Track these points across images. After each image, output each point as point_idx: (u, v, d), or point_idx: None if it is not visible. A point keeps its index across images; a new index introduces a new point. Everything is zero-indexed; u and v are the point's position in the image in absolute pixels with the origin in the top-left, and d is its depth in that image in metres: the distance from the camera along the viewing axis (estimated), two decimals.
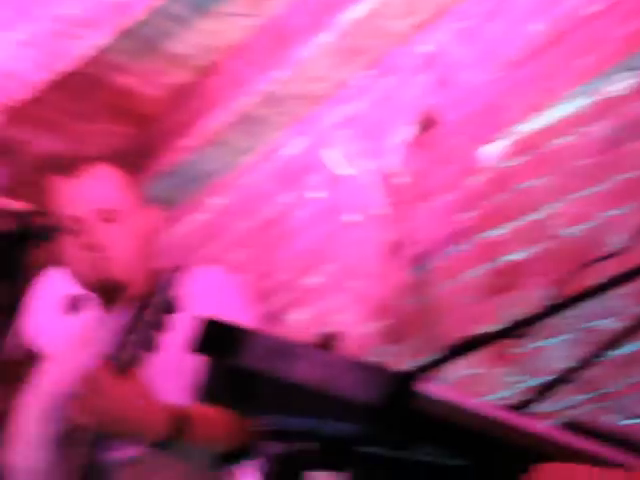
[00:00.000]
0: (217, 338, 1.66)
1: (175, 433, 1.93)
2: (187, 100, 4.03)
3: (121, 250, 2.15)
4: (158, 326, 1.90)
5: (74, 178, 2.19)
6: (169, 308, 1.90)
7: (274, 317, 3.78)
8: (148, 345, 1.89)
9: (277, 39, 3.73)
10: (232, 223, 4.16)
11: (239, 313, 2.14)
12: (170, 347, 1.93)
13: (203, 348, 1.68)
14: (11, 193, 2.01)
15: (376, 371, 1.47)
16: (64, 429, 2.06)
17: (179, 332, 1.85)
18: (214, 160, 4.09)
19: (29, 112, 3.93)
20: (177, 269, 1.99)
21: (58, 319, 2.45)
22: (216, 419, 1.97)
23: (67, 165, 2.25)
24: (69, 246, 2.13)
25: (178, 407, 1.96)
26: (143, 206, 2.26)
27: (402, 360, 3.32)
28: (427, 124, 3.53)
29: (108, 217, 2.15)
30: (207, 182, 4.19)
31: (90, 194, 2.17)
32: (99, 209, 2.15)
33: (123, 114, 4.09)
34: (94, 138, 4.10)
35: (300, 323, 3.77)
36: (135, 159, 4.02)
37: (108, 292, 2.18)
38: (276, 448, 1.69)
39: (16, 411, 2.17)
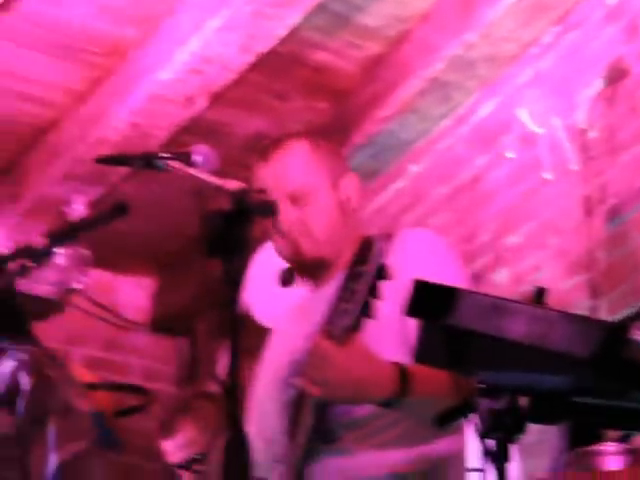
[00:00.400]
0: (428, 300, 1.72)
1: (401, 392, 1.97)
2: (380, 71, 4.09)
3: (312, 230, 2.22)
4: (374, 293, 1.92)
5: (265, 161, 2.27)
6: (383, 275, 1.92)
7: (477, 278, 3.83)
8: (366, 312, 1.92)
9: (464, 3, 3.75)
10: (431, 189, 4.22)
11: (450, 273, 2.17)
12: (385, 313, 1.96)
13: (415, 310, 1.75)
14: (221, 174, 2.11)
15: (588, 323, 1.51)
16: (294, 397, 2.16)
17: (393, 298, 1.90)
18: (409, 128, 4.13)
19: (231, 95, 4.07)
20: (386, 236, 2.00)
21: (275, 291, 2.57)
22: (436, 377, 1.99)
23: (270, 144, 2.35)
24: (268, 228, 2.23)
25: (401, 364, 1.99)
26: (339, 176, 2.30)
27: (602, 314, 3.32)
28: (616, 76, 3.49)
29: (298, 198, 2.21)
30: (404, 150, 4.24)
31: (279, 178, 2.23)
32: (288, 192, 2.21)
33: (319, 90, 4.18)
34: (294, 116, 4.22)
35: (502, 283, 3.82)
36: (333, 134, 4.11)
37: (307, 270, 2.28)
38: (491, 404, 1.74)
39: (250, 382, 2.29)
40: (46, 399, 2.56)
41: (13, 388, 2.55)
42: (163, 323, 5.14)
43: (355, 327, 1.92)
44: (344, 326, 1.92)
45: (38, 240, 2.05)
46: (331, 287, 2.19)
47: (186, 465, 3.63)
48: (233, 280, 1.85)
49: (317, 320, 2.15)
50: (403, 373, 1.99)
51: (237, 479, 1.74)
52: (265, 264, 2.56)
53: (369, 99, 4.12)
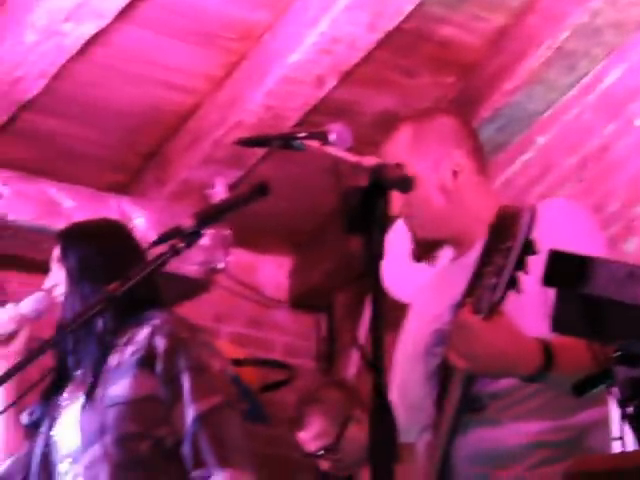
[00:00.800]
0: (564, 269, 1.74)
1: (545, 367, 1.97)
2: (506, 43, 4.07)
3: (415, 215, 2.25)
4: (521, 267, 1.89)
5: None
6: (531, 249, 1.90)
7: (609, 248, 3.81)
8: (513, 286, 1.90)
9: None
10: (559, 159, 4.19)
11: (590, 241, 2.17)
12: (530, 286, 1.94)
13: (551, 280, 1.77)
14: (354, 152, 2.15)
15: None
16: (438, 366, 2.18)
17: (537, 270, 1.87)
18: (536, 99, 4.10)
19: (359, 73, 4.11)
20: (525, 207, 1.96)
21: (409, 267, 2.62)
22: (577, 349, 1.97)
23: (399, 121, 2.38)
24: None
25: (544, 339, 1.99)
26: (441, 156, 2.30)
27: None
28: None
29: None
30: (531, 122, 4.22)
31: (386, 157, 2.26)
32: None
33: (446, 65, 4.18)
34: (421, 92, 4.23)
35: (632, 252, 3.79)
36: (461, 108, 4.12)
37: (427, 250, 2.32)
38: (629, 372, 1.75)
39: (390, 352, 2.34)
40: (182, 358, 2.64)
41: (151, 351, 2.67)
42: (302, 300, 5.22)
43: (501, 301, 1.92)
44: (491, 301, 1.92)
45: (187, 222, 2.13)
46: (470, 258, 2.22)
47: (319, 455, 3.71)
48: (373, 255, 1.88)
49: (458, 291, 2.17)
50: (547, 349, 1.99)
51: (384, 446, 1.78)
52: (398, 240, 2.60)
53: (495, 72, 4.11)
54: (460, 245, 2.32)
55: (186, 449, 2.58)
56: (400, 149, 2.32)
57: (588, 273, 1.71)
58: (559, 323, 1.79)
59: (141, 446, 2.61)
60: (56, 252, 2.89)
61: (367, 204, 1.89)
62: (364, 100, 4.30)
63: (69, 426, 2.74)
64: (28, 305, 2.87)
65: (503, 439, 2.14)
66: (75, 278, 2.78)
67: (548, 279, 1.76)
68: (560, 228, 2.14)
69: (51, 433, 2.77)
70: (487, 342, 1.93)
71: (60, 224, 4.24)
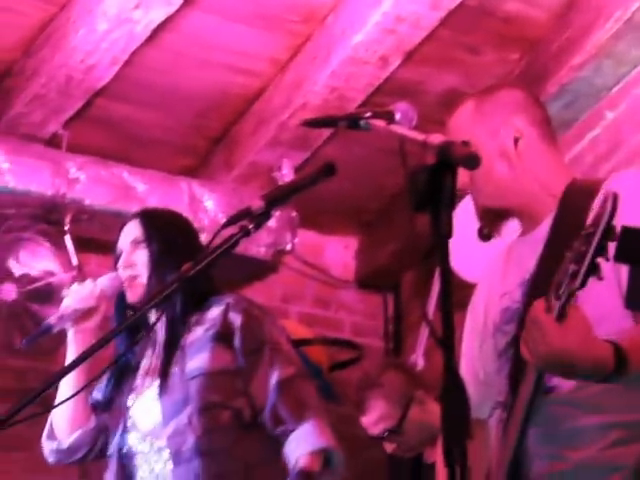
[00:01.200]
0: (637, 245, 1.72)
1: (616, 372, 1.93)
2: (572, 16, 4.02)
3: (479, 185, 2.22)
4: (602, 253, 1.85)
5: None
6: (612, 235, 1.85)
7: None
8: (594, 273, 1.87)
9: None
10: (628, 135, 4.13)
11: None
12: (608, 270, 1.91)
13: (624, 256, 1.75)
14: (420, 131, 2.14)
15: None
16: (506, 345, 2.18)
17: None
18: (605, 74, 4.04)
19: (422, 52, 4.10)
20: (609, 192, 1.90)
21: (476, 246, 2.60)
22: None
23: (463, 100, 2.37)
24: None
25: (617, 345, 1.95)
26: (500, 124, 2.28)
27: None
28: None
29: None
30: (599, 97, 4.16)
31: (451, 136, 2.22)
32: None
33: (510, 41, 4.14)
34: (486, 69, 4.20)
35: None
36: (527, 84, 4.09)
37: (494, 221, 2.29)
38: None
39: (461, 331, 2.34)
40: (257, 332, 2.80)
41: (227, 327, 2.75)
42: (369, 280, 5.24)
43: (582, 288, 1.88)
44: (572, 288, 1.88)
45: (256, 203, 2.15)
46: (540, 234, 2.20)
47: (383, 437, 3.73)
48: (441, 233, 1.87)
49: (528, 268, 2.16)
50: (619, 352, 1.94)
51: (457, 423, 1.78)
52: (465, 220, 2.58)
53: (561, 46, 4.06)
54: (527, 218, 2.29)
55: (267, 413, 2.74)
56: (462, 122, 2.31)
57: None
58: (634, 300, 1.75)
59: (222, 416, 2.75)
60: (134, 233, 2.96)
61: (434, 182, 1.88)
62: (428, 79, 4.29)
63: (147, 406, 2.84)
64: (106, 282, 2.93)
65: (576, 418, 2.12)
66: (159, 260, 2.88)
67: (621, 255, 1.73)
68: (631, 201, 2.10)
69: (128, 415, 2.85)
70: (557, 347, 1.90)
71: (134, 207, 4.34)
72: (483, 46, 4.17)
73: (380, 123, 2.07)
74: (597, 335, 1.94)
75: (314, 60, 4.10)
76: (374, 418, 3.75)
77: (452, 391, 1.79)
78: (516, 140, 2.29)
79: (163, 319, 2.82)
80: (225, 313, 2.81)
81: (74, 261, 4.40)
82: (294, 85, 4.21)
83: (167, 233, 2.96)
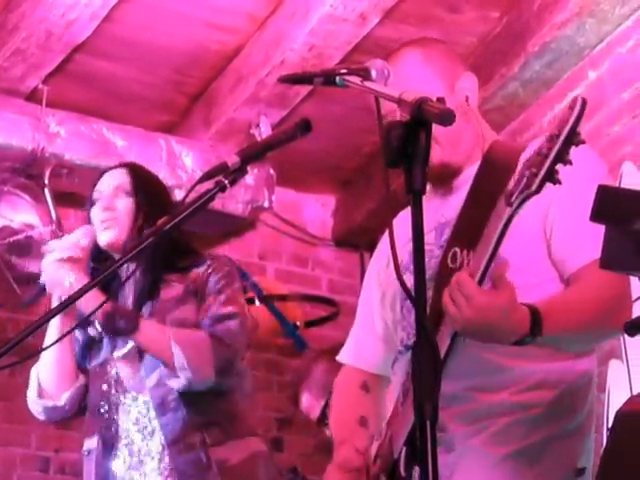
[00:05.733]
0: (613, 205, 1.72)
1: (532, 332, 1.99)
2: None
3: (435, 137, 2.16)
4: (562, 158, 1.86)
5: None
6: (576, 139, 1.86)
7: None
8: (551, 179, 1.88)
9: None
10: (611, 95, 4.10)
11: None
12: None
13: (600, 216, 1.74)
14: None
15: None
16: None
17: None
18: (587, 33, 3.98)
19: (402, 10, 4.09)
20: (577, 98, 1.92)
21: None
22: (580, 309, 2.03)
23: (386, 57, 2.33)
24: None
25: (534, 308, 2.00)
26: (454, 78, 2.29)
27: None
28: None
29: None
30: (582, 56, 4.11)
31: (396, 84, 2.19)
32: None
33: (489, 0, 4.14)
34: (466, 27, 4.18)
35: None
36: (507, 43, 4.08)
37: (438, 179, 2.28)
38: None
39: None
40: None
41: (206, 285, 2.87)
42: (346, 238, 5.26)
43: (538, 191, 1.90)
44: (529, 191, 1.89)
45: (232, 159, 2.15)
46: (460, 181, 2.25)
47: None
48: (415, 189, 1.87)
49: (443, 212, 2.22)
50: (535, 316, 1.99)
51: (428, 376, 1.79)
52: None
53: (543, 4, 4.01)
54: (457, 178, 2.31)
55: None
56: (411, 73, 2.29)
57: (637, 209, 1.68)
58: (609, 260, 1.76)
59: None
60: (120, 179, 3.00)
61: (408, 138, 1.87)
62: (408, 37, 4.18)
63: (128, 359, 2.89)
64: (81, 234, 2.94)
65: (496, 362, 2.15)
66: (142, 211, 2.94)
67: (597, 215, 1.73)
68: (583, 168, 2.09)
69: (109, 368, 2.91)
70: (477, 312, 1.94)
71: (113, 163, 4.35)
72: (463, 4, 4.15)
73: (355, 80, 2.06)
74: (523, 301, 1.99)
75: (292, 17, 4.09)
76: (310, 403, 3.84)
77: (423, 346, 1.80)
78: (467, 98, 2.31)
79: (138, 272, 2.86)
80: (206, 273, 2.89)
81: (53, 215, 4.41)
82: (272, 42, 4.20)
83: (152, 187, 3.04)
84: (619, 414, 1.98)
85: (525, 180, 1.90)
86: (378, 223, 5.03)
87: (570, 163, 1.87)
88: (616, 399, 3.63)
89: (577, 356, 2.20)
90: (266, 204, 4.72)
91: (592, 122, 4.09)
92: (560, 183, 1.89)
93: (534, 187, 1.89)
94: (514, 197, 1.91)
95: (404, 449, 2.09)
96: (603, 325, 2.10)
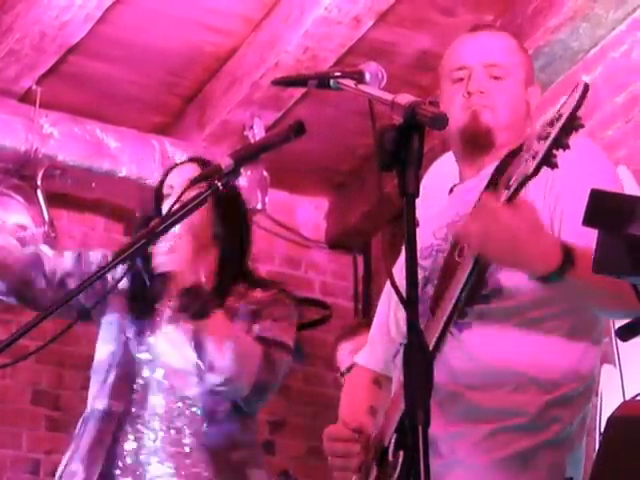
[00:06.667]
0: (607, 209, 1.71)
1: (564, 265, 1.92)
2: None
3: (497, 104, 2.21)
4: (561, 143, 1.89)
5: (474, 34, 2.32)
6: (575, 124, 1.90)
7: None
8: (549, 162, 1.90)
9: None
10: (605, 99, 4.12)
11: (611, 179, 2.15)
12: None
13: (593, 220, 1.74)
14: (391, 91, 2.14)
15: None
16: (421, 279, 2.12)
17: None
18: (581, 36, 4.01)
19: (396, 13, 4.09)
20: (579, 82, 1.96)
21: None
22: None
23: (480, 26, 2.37)
24: (452, 94, 2.25)
25: (567, 244, 1.95)
26: (530, 81, 2.31)
27: None
28: None
29: (494, 73, 2.23)
30: (576, 60, 4.12)
31: (483, 48, 2.27)
32: (488, 63, 2.24)
33: (485, 2, 4.13)
34: (460, 31, 4.13)
35: None
36: None
37: (473, 145, 2.26)
38: None
39: None
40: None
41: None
42: (339, 240, 5.26)
43: (534, 174, 1.90)
44: (525, 173, 1.90)
45: (225, 161, 2.15)
46: (482, 176, 2.21)
47: None
48: (408, 192, 1.87)
49: (459, 208, 2.18)
50: (568, 249, 1.93)
51: (419, 381, 1.79)
52: (436, 179, 2.58)
53: (537, 8, 4.03)
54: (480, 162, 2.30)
55: None
56: (507, 44, 2.31)
57: (633, 213, 1.67)
58: (602, 264, 1.74)
59: None
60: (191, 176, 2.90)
61: (401, 142, 1.87)
62: (401, 40, 4.28)
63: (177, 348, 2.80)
64: None
65: (502, 346, 2.11)
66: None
67: (590, 219, 1.72)
68: (586, 160, 2.12)
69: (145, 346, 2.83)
70: (504, 225, 1.91)
71: (106, 164, 4.38)
72: (457, 7, 4.16)
73: (349, 83, 2.07)
74: None
75: (287, 20, 4.09)
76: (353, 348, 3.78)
77: (415, 351, 1.79)
78: (528, 104, 2.31)
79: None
80: (273, 297, 2.88)
81: (46, 216, 4.41)
82: (267, 45, 4.21)
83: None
84: (611, 419, 1.98)
85: (524, 163, 1.90)
86: (371, 226, 5.06)
87: (568, 147, 1.88)
88: (609, 404, 3.63)
89: (579, 361, 2.15)
90: (259, 206, 4.73)
91: (586, 126, 4.07)
92: (557, 167, 1.90)
93: (531, 170, 1.89)
94: (512, 180, 1.91)
95: (394, 436, 2.07)
96: (625, 295, 1.96)
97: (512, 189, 1.93)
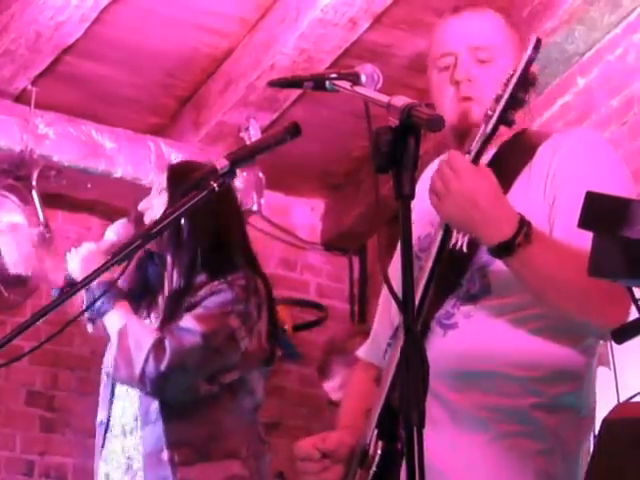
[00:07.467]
0: (602, 212, 1.71)
1: (517, 240, 1.90)
2: None
3: (487, 94, 2.11)
4: (517, 103, 1.92)
5: (458, 15, 2.27)
6: (530, 80, 1.93)
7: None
8: (506, 121, 1.93)
9: None
10: (600, 102, 4.12)
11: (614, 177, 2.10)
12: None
13: (588, 222, 1.73)
14: (387, 93, 2.14)
15: None
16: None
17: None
18: (577, 39, 4.02)
19: (392, 15, 4.09)
20: (530, 38, 1.98)
21: None
22: (571, 257, 1.89)
23: (464, 5, 2.33)
24: (440, 83, 2.21)
25: (526, 217, 1.93)
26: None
27: None
28: None
29: (480, 57, 2.16)
30: (571, 63, 4.13)
31: (467, 31, 2.22)
32: (473, 45, 2.17)
33: (481, 5, 4.15)
34: None
35: None
36: None
37: (468, 133, 2.19)
38: None
39: None
40: None
41: None
42: (335, 242, 5.27)
43: (492, 135, 1.92)
44: (483, 134, 1.91)
45: (221, 162, 2.15)
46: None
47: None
48: (404, 194, 1.87)
49: None
50: (527, 222, 1.91)
51: (415, 382, 1.79)
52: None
53: (533, 11, 4.03)
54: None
55: None
56: (493, 24, 2.24)
57: (628, 215, 1.67)
58: (598, 267, 1.73)
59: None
60: (162, 181, 2.94)
61: (397, 144, 1.87)
62: (397, 43, 4.28)
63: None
64: (118, 228, 2.90)
65: (488, 341, 2.07)
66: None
67: (585, 222, 1.72)
68: (581, 159, 2.08)
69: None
70: (466, 184, 1.91)
71: (101, 165, 4.38)
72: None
73: (345, 84, 2.07)
74: None
75: (283, 21, 4.10)
76: (337, 384, 3.76)
77: (411, 353, 1.79)
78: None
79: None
80: (212, 289, 2.85)
81: (41, 216, 4.41)
82: (263, 46, 4.21)
83: None
84: (606, 422, 1.98)
85: (483, 126, 1.93)
86: (367, 227, 5.06)
87: (525, 104, 1.92)
88: (603, 406, 3.63)
89: (568, 363, 2.12)
90: (255, 208, 4.73)
91: (583, 127, 4.11)
92: (514, 124, 1.93)
93: (489, 130, 1.92)
94: (473, 144, 1.94)
95: (375, 431, 2.04)
96: (586, 298, 1.95)
97: (473, 152, 1.93)
